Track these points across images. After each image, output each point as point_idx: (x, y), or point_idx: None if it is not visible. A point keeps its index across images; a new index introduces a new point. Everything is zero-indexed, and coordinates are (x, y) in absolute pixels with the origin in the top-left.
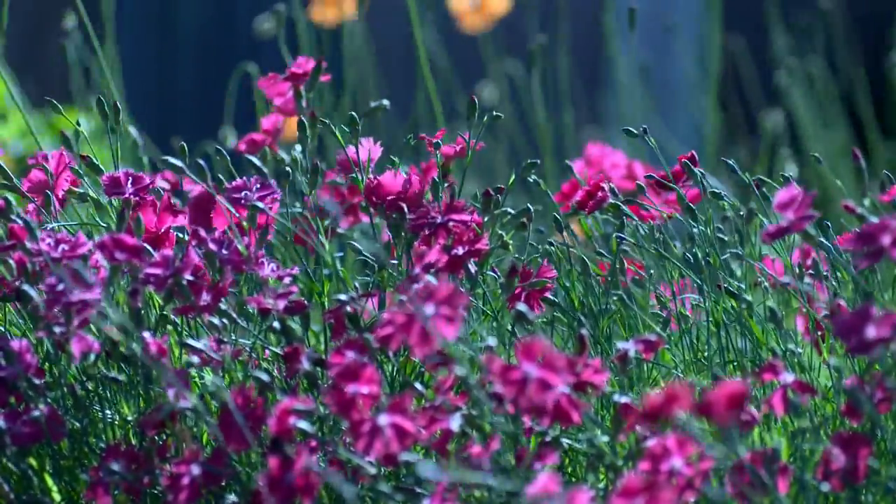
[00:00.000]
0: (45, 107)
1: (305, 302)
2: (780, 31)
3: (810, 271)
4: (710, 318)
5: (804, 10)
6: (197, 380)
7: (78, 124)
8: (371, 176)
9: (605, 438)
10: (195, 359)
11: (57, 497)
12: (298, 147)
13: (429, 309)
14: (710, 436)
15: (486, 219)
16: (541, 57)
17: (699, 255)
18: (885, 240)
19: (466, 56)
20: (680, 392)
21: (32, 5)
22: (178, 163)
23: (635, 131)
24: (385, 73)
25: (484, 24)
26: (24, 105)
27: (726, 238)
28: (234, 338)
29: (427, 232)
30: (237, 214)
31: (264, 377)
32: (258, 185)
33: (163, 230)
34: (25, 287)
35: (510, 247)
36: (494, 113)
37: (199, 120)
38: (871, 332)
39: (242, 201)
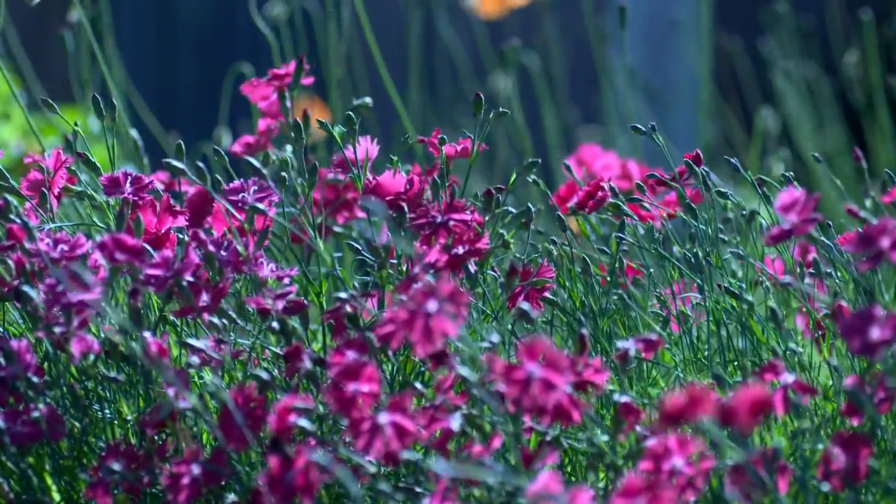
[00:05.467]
0: (45, 107)
1: (304, 301)
2: (779, 32)
3: (811, 270)
4: (711, 318)
5: (804, 11)
6: (196, 380)
7: (76, 124)
8: (370, 175)
9: (606, 438)
10: (195, 359)
11: (56, 496)
12: (290, 147)
13: (431, 305)
14: (721, 437)
15: (486, 218)
16: (540, 57)
17: (699, 254)
18: (885, 242)
19: (473, 51)
20: (702, 396)
21: (34, 7)
22: (179, 164)
23: (643, 128)
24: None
25: (499, 12)
26: (27, 104)
27: (727, 238)
28: (233, 338)
29: (427, 231)
30: (237, 216)
31: (264, 376)
32: (255, 187)
33: (163, 231)
34: (25, 287)
35: (511, 246)
36: (501, 109)
37: (200, 119)
38: (875, 333)
39: (240, 203)
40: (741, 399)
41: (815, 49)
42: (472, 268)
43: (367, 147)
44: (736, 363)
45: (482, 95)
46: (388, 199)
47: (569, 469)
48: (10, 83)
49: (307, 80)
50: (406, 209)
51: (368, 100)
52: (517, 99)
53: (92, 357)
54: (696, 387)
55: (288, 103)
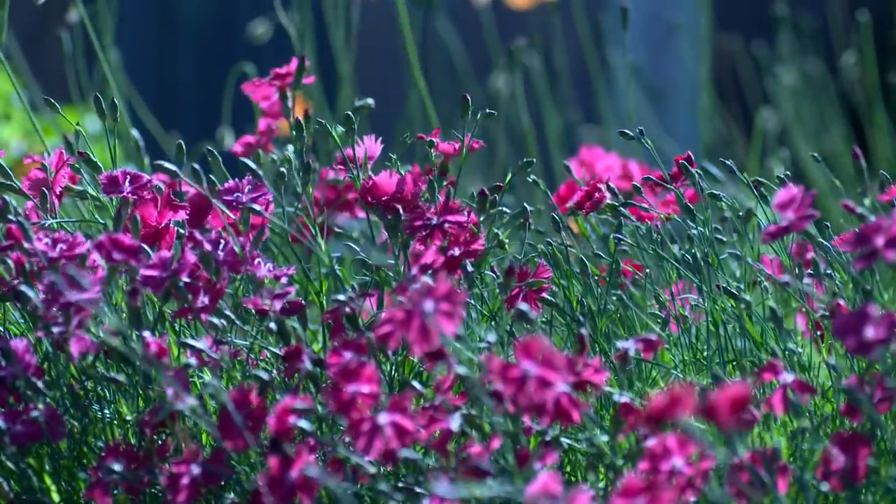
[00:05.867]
0: (46, 107)
1: (303, 302)
2: (779, 32)
3: (809, 270)
4: (710, 318)
5: (805, 10)
6: (196, 380)
7: (77, 124)
8: (367, 175)
9: (605, 438)
10: (193, 359)
11: (56, 497)
12: (291, 147)
13: (428, 305)
14: (711, 436)
15: (482, 219)
16: (542, 56)
17: (697, 255)
18: (879, 241)
19: (475, 50)
20: (683, 395)
21: (34, 6)
22: (172, 167)
23: (631, 133)
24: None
25: (529, 3)
26: (28, 105)
27: (724, 238)
28: (231, 338)
29: (423, 233)
30: (231, 216)
31: (263, 376)
32: (250, 187)
33: (163, 224)
34: (24, 287)
35: (507, 246)
36: (488, 111)
37: (200, 119)
38: (871, 332)
39: (234, 203)
40: (721, 397)
41: (815, 49)
42: (469, 268)
43: (369, 145)
44: (735, 363)
45: (475, 96)
46: (384, 199)
47: (568, 469)
48: (14, 83)
49: (308, 80)
50: (401, 211)
51: (370, 101)
52: (520, 98)
53: (91, 357)
54: (677, 386)
55: (290, 103)
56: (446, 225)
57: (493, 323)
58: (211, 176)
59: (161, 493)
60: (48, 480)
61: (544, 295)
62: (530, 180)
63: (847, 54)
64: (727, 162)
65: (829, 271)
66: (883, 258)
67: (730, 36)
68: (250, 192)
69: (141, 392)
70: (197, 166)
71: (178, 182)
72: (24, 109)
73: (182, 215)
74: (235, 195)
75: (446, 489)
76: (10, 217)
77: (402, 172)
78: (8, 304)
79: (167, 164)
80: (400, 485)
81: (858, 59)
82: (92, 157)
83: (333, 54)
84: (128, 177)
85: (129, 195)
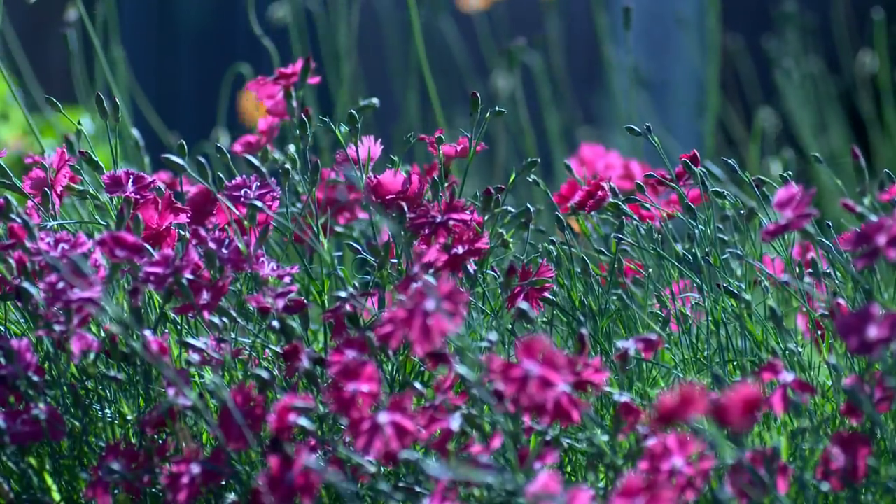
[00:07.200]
0: (45, 107)
1: (304, 301)
2: (783, 30)
3: (810, 270)
4: (710, 318)
5: (807, 7)
6: (197, 379)
7: (79, 123)
8: (371, 174)
9: (605, 438)
10: (195, 357)
11: (57, 496)
12: (292, 147)
13: (430, 304)
14: (714, 436)
15: (486, 218)
16: (541, 55)
17: (698, 254)
18: (881, 240)
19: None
20: (694, 395)
21: (32, 6)
22: (179, 160)
23: (638, 129)
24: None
25: (483, 5)
26: (25, 105)
27: (726, 238)
28: (233, 337)
29: (427, 231)
30: (237, 212)
31: (264, 375)
32: (257, 184)
33: (164, 227)
34: (25, 285)
35: (510, 245)
36: (498, 108)
37: (200, 119)
38: (873, 332)
39: (242, 199)
40: (734, 398)
41: (819, 47)
42: (472, 267)
43: (369, 146)
44: (735, 363)
45: (478, 95)
46: (388, 198)
47: (569, 469)
48: (9, 83)
49: (313, 80)
50: (406, 209)
51: (375, 101)
52: (520, 98)
53: (92, 356)
54: (689, 387)
55: (294, 102)
56: (451, 223)
57: (494, 322)
58: (218, 173)
59: (161, 493)
60: (49, 480)
61: (545, 294)
62: (530, 180)
63: (862, 53)
64: (729, 160)
65: (829, 271)
66: (885, 257)
67: (732, 33)
68: (258, 188)
69: (141, 392)
70: (202, 159)
71: (178, 183)
72: (23, 109)
73: (183, 218)
74: (243, 191)
75: (438, 469)
76: (13, 216)
77: (405, 173)
78: (8, 303)
79: (174, 158)
80: (400, 484)
81: (870, 58)
82: (93, 156)
83: (333, 53)
84: (130, 177)
85: (132, 195)
